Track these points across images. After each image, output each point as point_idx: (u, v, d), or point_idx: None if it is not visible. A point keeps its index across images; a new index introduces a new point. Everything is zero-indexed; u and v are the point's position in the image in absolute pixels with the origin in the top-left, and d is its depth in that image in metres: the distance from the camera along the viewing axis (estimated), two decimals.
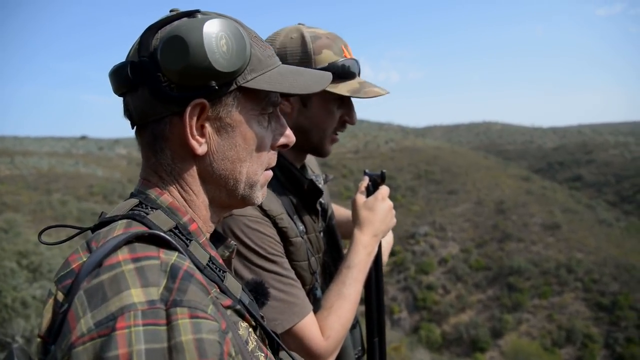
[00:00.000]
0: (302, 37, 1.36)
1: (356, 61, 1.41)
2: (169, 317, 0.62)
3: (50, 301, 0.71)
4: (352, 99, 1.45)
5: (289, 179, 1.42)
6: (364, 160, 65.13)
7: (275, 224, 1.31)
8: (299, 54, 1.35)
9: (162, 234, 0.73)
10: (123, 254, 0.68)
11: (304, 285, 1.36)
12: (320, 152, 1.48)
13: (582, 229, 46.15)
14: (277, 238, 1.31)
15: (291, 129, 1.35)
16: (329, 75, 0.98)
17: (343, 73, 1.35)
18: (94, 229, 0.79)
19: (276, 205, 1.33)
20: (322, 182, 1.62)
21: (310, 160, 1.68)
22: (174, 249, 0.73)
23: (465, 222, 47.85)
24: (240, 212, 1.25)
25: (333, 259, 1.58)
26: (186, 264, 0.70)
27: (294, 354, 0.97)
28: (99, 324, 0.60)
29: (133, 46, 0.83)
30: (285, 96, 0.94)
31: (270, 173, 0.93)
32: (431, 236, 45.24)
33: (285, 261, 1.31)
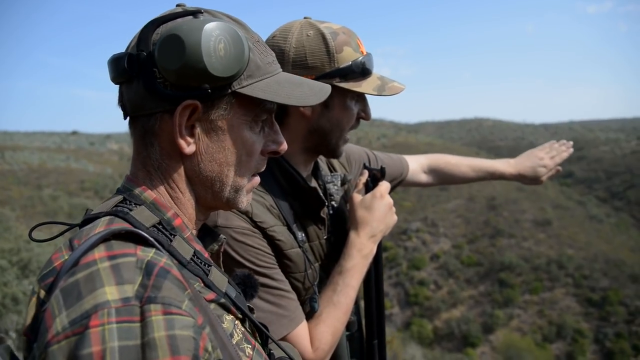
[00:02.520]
0: (322, 35, 1.28)
1: (371, 55, 1.35)
2: (143, 314, 0.62)
3: (34, 299, 0.71)
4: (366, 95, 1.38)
5: (291, 185, 1.35)
6: None
7: (267, 236, 1.26)
8: (321, 53, 1.27)
9: (139, 231, 0.73)
10: (99, 252, 0.67)
11: (298, 296, 1.31)
12: (335, 153, 1.41)
13: (572, 225, 46.43)
14: (267, 249, 1.25)
15: (310, 131, 1.34)
16: (327, 87, 0.97)
17: (364, 70, 1.31)
18: (81, 225, 0.79)
19: (269, 217, 1.27)
20: (340, 183, 1.53)
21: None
22: (152, 245, 0.72)
23: (456, 218, 47.98)
24: (225, 223, 1.21)
25: None
26: (163, 260, 0.69)
27: (282, 344, 0.97)
28: (73, 322, 0.61)
29: (134, 38, 0.83)
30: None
31: (257, 180, 0.92)
32: (423, 232, 45.29)
33: (276, 272, 1.26)
